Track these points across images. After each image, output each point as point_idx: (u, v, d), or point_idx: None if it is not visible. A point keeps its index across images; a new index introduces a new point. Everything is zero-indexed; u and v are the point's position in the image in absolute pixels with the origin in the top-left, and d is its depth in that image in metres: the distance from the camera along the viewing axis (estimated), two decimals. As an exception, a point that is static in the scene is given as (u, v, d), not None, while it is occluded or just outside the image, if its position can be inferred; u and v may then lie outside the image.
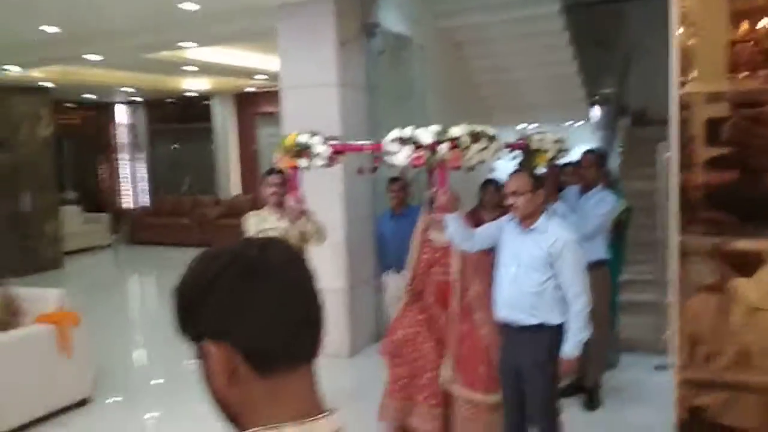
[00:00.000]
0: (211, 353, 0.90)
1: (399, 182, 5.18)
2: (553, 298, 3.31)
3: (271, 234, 4.13)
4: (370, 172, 4.32)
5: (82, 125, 14.54)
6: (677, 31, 1.53)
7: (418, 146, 3.51)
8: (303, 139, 3.98)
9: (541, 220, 3.36)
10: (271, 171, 4.41)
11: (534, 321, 3.34)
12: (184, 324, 0.94)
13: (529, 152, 4.28)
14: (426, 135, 3.51)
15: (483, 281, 4.03)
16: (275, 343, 0.91)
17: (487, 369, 3.81)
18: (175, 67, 9.85)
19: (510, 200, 3.39)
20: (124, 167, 15.21)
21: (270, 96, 12.97)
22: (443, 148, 3.46)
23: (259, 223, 4.27)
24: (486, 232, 3.66)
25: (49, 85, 10.63)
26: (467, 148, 3.49)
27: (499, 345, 3.65)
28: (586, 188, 4.62)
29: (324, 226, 4.29)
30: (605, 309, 4.58)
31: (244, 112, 13.88)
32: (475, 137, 3.55)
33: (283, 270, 0.93)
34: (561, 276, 3.28)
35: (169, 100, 14.38)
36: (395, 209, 5.18)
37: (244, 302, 0.89)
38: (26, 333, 4.72)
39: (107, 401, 5.14)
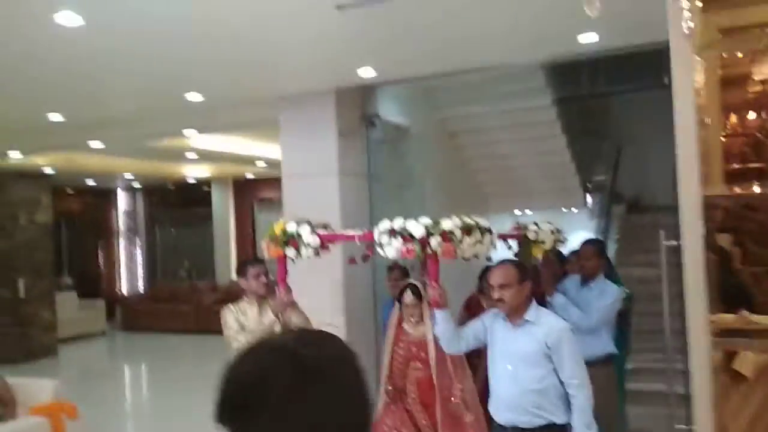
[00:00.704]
0: None
1: (396, 270, 5.09)
2: (556, 394, 3.11)
3: (253, 327, 3.93)
4: (363, 261, 4.13)
5: (81, 210, 14.59)
6: (689, 123, 1.53)
7: (408, 238, 3.43)
8: (291, 228, 3.88)
9: (532, 312, 3.19)
10: (253, 261, 4.20)
11: (540, 422, 3.10)
12: (232, 420, 0.91)
13: (525, 243, 4.23)
14: (417, 228, 3.42)
15: (464, 379, 3.89)
16: None
17: None
18: (177, 155, 9.99)
19: (496, 294, 3.21)
20: (122, 253, 15.18)
21: (268, 182, 13.13)
22: (434, 241, 3.37)
23: (240, 318, 3.99)
24: (471, 331, 3.48)
25: (50, 171, 10.74)
26: (460, 241, 3.40)
27: None
28: (586, 279, 4.47)
29: (309, 318, 4.06)
30: (614, 407, 4.38)
31: (242, 199, 14.00)
32: (468, 230, 3.45)
33: (339, 371, 0.92)
34: (561, 369, 3.09)
35: (170, 186, 14.52)
36: (396, 297, 5.10)
37: (303, 406, 0.87)
38: (20, 425, 4.59)
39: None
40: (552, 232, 4.34)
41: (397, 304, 4.08)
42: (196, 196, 14.26)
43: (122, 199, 15.18)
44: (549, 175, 9.33)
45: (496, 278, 3.23)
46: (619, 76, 7.21)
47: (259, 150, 9.87)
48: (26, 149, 8.50)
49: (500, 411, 3.24)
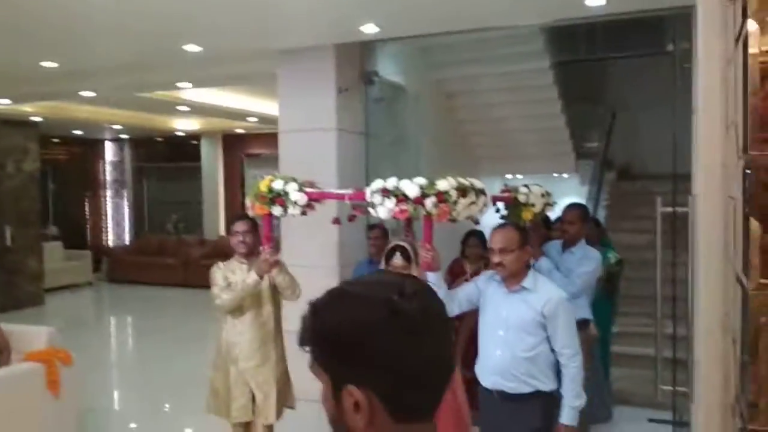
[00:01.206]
0: (355, 397, 0.91)
1: (378, 229, 5.05)
2: (546, 362, 3.09)
3: (238, 285, 3.85)
4: (348, 221, 4.08)
5: (69, 161, 14.44)
6: (714, 84, 1.53)
7: (402, 198, 3.31)
8: (278, 185, 3.75)
9: (529, 279, 3.13)
10: (239, 217, 4.10)
11: (527, 389, 3.08)
12: (331, 364, 0.94)
13: (515, 206, 4.11)
14: (411, 188, 3.28)
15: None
16: (419, 398, 0.94)
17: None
18: (167, 107, 9.87)
19: (496, 258, 3.13)
20: (109, 204, 15.10)
21: (258, 137, 13.05)
22: (429, 202, 3.26)
23: (228, 276, 3.94)
24: (464, 293, 3.41)
25: (38, 119, 10.59)
26: (455, 202, 3.30)
27: (481, 414, 3.37)
28: (568, 243, 4.41)
29: (296, 280, 3.96)
30: (587, 371, 4.41)
31: (231, 153, 13.90)
32: (463, 191, 3.34)
33: (437, 326, 0.95)
34: (554, 338, 3.06)
35: (158, 138, 14.38)
36: (374, 257, 4.96)
37: (403, 359, 0.91)
38: (15, 370, 4.59)
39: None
40: (542, 195, 4.23)
41: (382, 265, 3.95)
42: (185, 149, 14.14)
43: (109, 151, 15.02)
44: (542, 139, 9.37)
45: (496, 242, 3.13)
46: (619, 42, 7.20)
47: (250, 105, 9.78)
48: (18, 97, 8.36)
49: (487, 375, 3.19)
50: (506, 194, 4.11)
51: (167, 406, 6.08)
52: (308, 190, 3.80)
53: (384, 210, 3.35)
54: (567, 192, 10.38)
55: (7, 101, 8.53)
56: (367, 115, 6.13)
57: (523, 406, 3.07)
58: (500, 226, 3.29)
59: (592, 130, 10.32)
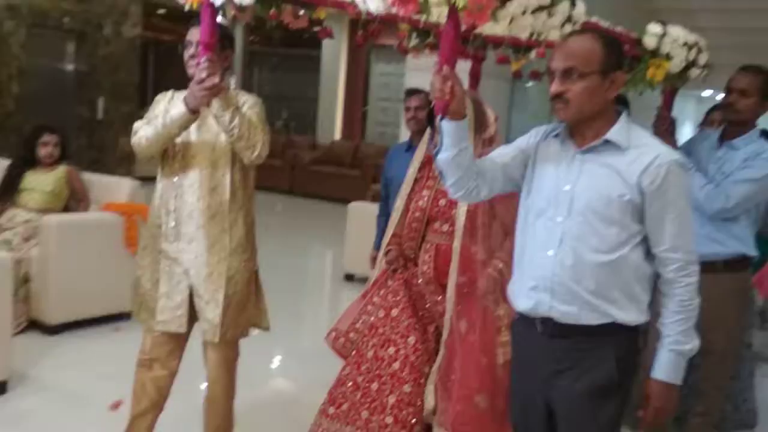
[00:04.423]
0: None
1: (417, 96, 3.78)
2: (636, 274, 1.93)
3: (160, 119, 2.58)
4: (319, 36, 2.88)
5: (171, 37, 14.33)
6: None
7: None
8: None
9: (618, 129, 1.92)
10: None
11: (597, 318, 1.93)
12: None
13: (640, 54, 2.83)
14: None
15: (508, 255, 2.55)
16: None
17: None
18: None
19: (555, 86, 1.91)
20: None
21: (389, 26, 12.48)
22: None
23: (171, 108, 2.64)
24: (502, 162, 2.12)
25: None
26: None
27: (515, 358, 2.23)
28: (731, 132, 2.95)
29: (259, 129, 2.67)
30: (737, 331, 3.14)
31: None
32: None
33: None
34: (656, 232, 1.91)
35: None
36: (415, 137, 3.71)
37: None
38: (91, 218, 4.82)
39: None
40: (687, 46, 2.87)
41: (427, 135, 2.88)
42: (304, 33, 13.82)
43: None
44: (750, 55, 8.56)
45: (559, 57, 1.91)
46: None
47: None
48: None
49: (527, 291, 2.03)
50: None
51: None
52: None
53: None
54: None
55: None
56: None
57: (587, 348, 1.97)
58: (576, 32, 2.06)
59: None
